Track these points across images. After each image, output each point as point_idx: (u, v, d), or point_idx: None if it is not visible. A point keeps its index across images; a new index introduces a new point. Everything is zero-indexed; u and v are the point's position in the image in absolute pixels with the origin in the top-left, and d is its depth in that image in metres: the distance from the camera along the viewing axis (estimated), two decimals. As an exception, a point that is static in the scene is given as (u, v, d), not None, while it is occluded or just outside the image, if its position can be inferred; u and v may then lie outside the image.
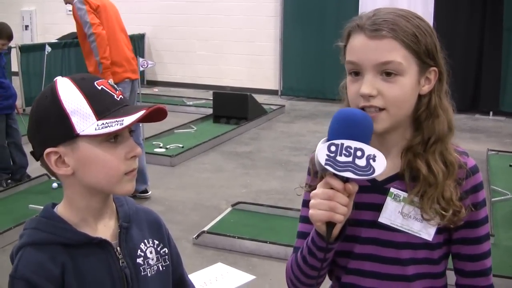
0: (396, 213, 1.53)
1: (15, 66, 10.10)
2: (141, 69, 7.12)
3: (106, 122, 1.36)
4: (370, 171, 1.36)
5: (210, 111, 9.59)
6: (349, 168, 1.36)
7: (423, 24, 1.51)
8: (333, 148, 1.37)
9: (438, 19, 9.86)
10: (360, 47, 1.48)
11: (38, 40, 13.25)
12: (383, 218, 1.54)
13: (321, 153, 1.38)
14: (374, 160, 1.36)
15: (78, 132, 1.37)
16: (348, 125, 1.39)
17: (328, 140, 1.39)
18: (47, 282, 1.38)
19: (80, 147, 1.39)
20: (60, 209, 1.49)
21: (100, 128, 1.36)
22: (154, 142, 7.86)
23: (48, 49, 9.75)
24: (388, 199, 1.54)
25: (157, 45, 13.10)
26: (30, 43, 11.94)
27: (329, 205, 1.40)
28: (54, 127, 1.39)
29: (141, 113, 1.37)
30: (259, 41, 12.04)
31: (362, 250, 1.58)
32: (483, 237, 1.59)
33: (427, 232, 1.53)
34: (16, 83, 9.95)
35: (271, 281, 4.35)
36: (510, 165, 7.02)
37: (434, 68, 1.53)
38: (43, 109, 1.41)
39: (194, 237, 4.94)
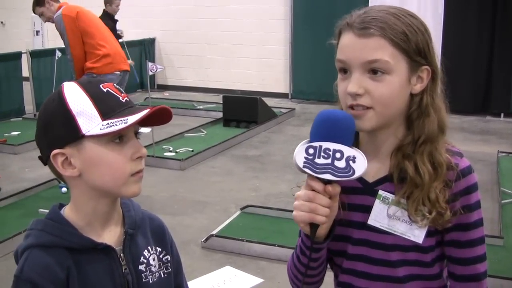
0: (383, 215, 1.52)
1: (26, 72, 10.16)
2: (150, 73, 7.17)
3: (111, 122, 1.38)
4: (350, 173, 1.35)
5: (220, 114, 9.59)
6: (328, 170, 1.36)
7: (415, 22, 1.48)
8: (311, 151, 1.37)
9: (448, 20, 9.84)
10: (348, 46, 1.47)
11: (49, 45, 13.32)
12: (372, 220, 1.53)
13: (299, 156, 1.38)
14: (354, 162, 1.35)
15: (84, 132, 1.39)
16: (327, 127, 1.38)
17: (309, 142, 1.39)
18: (52, 285, 1.39)
19: (86, 147, 1.40)
20: (67, 212, 1.50)
21: (105, 128, 1.38)
22: (164, 146, 7.88)
23: (58, 54, 9.81)
24: (377, 201, 1.53)
25: (168, 50, 13.14)
26: (41, 48, 12.02)
27: (310, 207, 1.40)
28: (61, 129, 1.41)
29: (144, 112, 1.39)
30: (269, 45, 12.05)
31: (354, 250, 1.58)
32: (476, 241, 1.54)
33: (414, 234, 1.50)
34: (27, 88, 10.04)
35: (279, 284, 4.34)
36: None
37: (427, 67, 1.49)
38: (50, 112, 1.43)
39: (202, 240, 4.94)
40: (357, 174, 1.36)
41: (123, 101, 1.44)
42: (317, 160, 1.36)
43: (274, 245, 4.77)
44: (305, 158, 1.37)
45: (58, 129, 1.41)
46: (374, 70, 1.44)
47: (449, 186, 1.48)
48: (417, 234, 1.50)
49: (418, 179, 1.47)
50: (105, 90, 1.43)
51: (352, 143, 1.40)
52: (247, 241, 4.86)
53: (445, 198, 1.47)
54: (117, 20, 10.53)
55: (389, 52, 1.44)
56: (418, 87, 1.50)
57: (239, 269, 4.54)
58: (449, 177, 1.48)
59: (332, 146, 1.36)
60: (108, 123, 1.38)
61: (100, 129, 1.38)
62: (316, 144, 1.36)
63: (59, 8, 6.20)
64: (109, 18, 10.65)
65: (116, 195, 1.49)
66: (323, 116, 1.41)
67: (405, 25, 1.45)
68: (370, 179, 1.54)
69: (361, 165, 1.36)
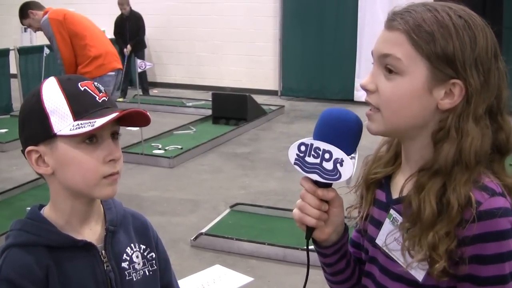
0: (391, 237, 1.35)
1: (13, 68, 10.10)
2: (139, 70, 7.14)
3: (80, 123, 1.36)
4: (337, 176, 1.29)
5: (209, 112, 9.57)
6: (316, 170, 1.31)
7: (459, 25, 1.25)
8: (303, 148, 1.32)
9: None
10: (378, 37, 1.33)
11: (37, 42, 13.24)
12: (379, 240, 1.39)
13: (292, 152, 1.34)
14: (341, 165, 1.28)
15: (56, 132, 1.37)
16: (322, 125, 1.32)
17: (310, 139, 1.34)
18: (31, 284, 1.37)
19: (59, 147, 1.39)
20: (47, 211, 1.49)
21: (74, 128, 1.35)
22: (153, 144, 7.86)
23: (46, 51, 9.73)
24: (387, 220, 1.37)
25: (157, 47, 13.08)
26: (29, 45, 11.95)
27: (300, 206, 1.36)
28: (35, 126, 1.40)
29: (113, 115, 1.36)
30: (259, 42, 12.03)
31: (367, 267, 1.47)
32: None
33: (415, 269, 1.30)
34: (15, 85, 9.97)
35: (269, 283, 4.33)
36: (510, 164, 6.97)
37: (458, 81, 1.24)
38: (28, 108, 1.43)
39: (192, 239, 4.92)
40: (343, 178, 1.29)
41: (100, 101, 1.41)
42: (307, 159, 1.32)
43: (264, 243, 4.75)
44: (297, 155, 1.33)
45: (33, 126, 1.41)
46: (387, 66, 1.28)
47: (462, 227, 1.22)
48: (417, 270, 1.30)
49: (419, 216, 1.26)
50: (82, 89, 1.40)
51: (351, 146, 1.32)
52: (236, 239, 4.84)
53: (449, 246, 1.23)
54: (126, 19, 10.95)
55: (405, 50, 1.25)
56: (446, 103, 1.26)
57: (228, 268, 4.52)
58: (466, 216, 1.22)
59: (322, 145, 1.30)
60: (78, 124, 1.36)
61: (70, 130, 1.36)
62: (308, 141, 1.31)
63: (45, 13, 6.06)
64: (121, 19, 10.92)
65: (89, 196, 1.46)
66: (323, 113, 1.34)
67: (439, 25, 1.24)
68: (396, 194, 1.37)
69: (347, 170, 1.28)
